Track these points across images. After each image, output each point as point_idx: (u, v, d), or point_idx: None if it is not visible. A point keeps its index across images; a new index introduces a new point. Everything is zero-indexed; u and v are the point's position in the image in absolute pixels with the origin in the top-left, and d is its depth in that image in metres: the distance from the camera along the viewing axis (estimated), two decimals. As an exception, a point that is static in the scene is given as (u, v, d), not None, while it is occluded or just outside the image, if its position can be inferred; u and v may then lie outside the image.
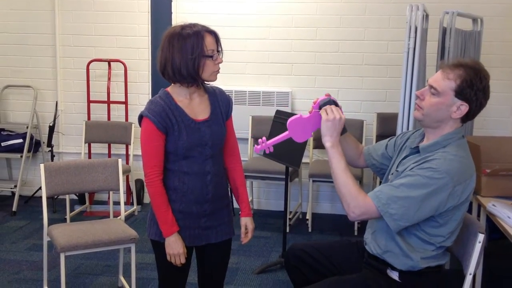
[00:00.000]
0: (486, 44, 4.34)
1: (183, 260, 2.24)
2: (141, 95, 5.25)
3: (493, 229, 3.29)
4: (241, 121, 4.89)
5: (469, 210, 3.37)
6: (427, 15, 3.64)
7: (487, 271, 3.38)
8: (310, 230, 4.69)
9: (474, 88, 2.03)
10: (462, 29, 3.83)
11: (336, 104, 2.16)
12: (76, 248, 3.02)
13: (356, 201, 2.05)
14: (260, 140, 2.22)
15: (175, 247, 2.22)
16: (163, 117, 2.18)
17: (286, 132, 2.18)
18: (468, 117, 2.11)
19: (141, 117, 2.23)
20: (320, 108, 2.16)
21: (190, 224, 2.29)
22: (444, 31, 3.65)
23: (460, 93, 2.04)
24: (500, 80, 4.78)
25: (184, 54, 2.13)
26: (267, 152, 2.23)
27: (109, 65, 5.17)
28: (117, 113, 5.28)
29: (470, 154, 2.13)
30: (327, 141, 2.13)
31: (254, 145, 2.24)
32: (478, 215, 3.18)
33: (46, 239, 3.23)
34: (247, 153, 5.00)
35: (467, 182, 2.05)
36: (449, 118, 2.10)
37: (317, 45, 5.00)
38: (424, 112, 2.11)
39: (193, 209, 2.27)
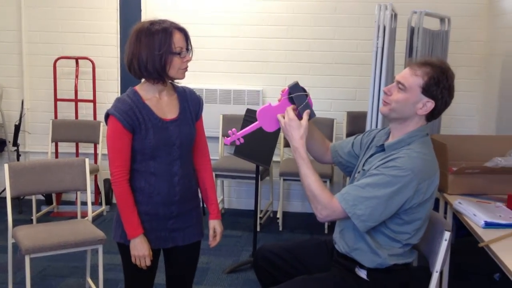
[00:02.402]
0: (453, 44, 4.40)
1: (148, 262, 2.21)
2: (110, 93, 5.16)
3: (460, 226, 3.34)
4: (212, 120, 4.86)
5: (436, 208, 3.41)
6: (395, 15, 3.67)
7: (455, 267, 3.43)
8: (280, 228, 4.69)
9: (440, 86, 2.07)
10: (429, 28, 3.88)
11: (304, 91, 2.16)
12: (42, 250, 2.96)
13: (322, 204, 2.08)
14: (230, 131, 2.22)
15: (140, 249, 2.19)
16: (130, 115, 2.14)
17: (256, 122, 2.19)
18: (433, 115, 2.14)
19: (107, 115, 2.18)
20: (289, 94, 2.15)
21: (156, 227, 2.25)
22: (412, 31, 3.68)
23: (427, 90, 2.08)
24: (467, 79, 4.85)
25: (151, 50, 2.10)
26: (238, 143, 2.23)
27: (77, 62, 5.07)
28: (85, 112, 5.19)
29: (434, 152, 2.17)
30: (290, 146, 2.15)
31: (224, 138, 2.24)
32: (445, 213, 3.22)
33: (10, 241, 3.16)
34: (218, 152, 4.97)
35: (432, 179, 2.08)
36: (414, 115, 2.12)
37: (288, 44, 5.00)
38: (391, 107, 2.14)
39: (159, 211, 2.24)
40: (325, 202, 2.07)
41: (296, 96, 2.15)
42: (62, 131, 4.87)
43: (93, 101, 5.09)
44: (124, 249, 2.26)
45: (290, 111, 2.14)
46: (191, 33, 2.22)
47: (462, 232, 3.66)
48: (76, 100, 5.10)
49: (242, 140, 2.22)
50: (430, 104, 2.09)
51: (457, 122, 4.91)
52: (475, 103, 4.90)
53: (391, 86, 2.17)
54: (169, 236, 2.29)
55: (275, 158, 4.75)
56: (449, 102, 2.12)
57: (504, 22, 4.38)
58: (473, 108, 4.91)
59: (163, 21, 2.15)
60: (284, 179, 4.63)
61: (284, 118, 2.15)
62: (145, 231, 2.21)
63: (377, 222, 2.06)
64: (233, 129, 2.22)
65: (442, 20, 4.16)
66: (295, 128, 2.12)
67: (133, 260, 2.21)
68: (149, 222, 2.23)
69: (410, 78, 2.10)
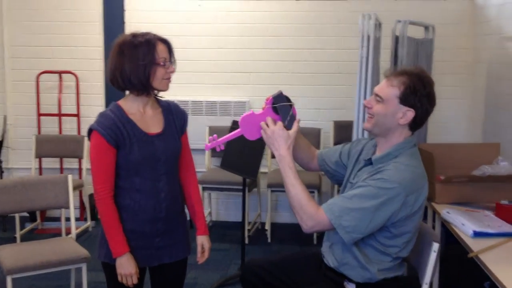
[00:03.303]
0: (438, 52, 4.41)
1: (135, 281, 2.16)
2: (94, 107, 5.09)
3: (449, 234, 3.31)
4: (198, 132, 4.82)
5: (425, 217, 3.38)
6: (379, 24, 3.67)
7: (444, 276, 3.40)
8: (269, 240, 4.64)
9: (418, 94, 2.05)
10: (414, 37, 3.88)
11: (289, 100, 2.13)
12: (24, 270, 2.89)
13: (308, 214, 2.04)
14: (210, 137, 2.20)
15: (126, 267, 2.14)
16: (113, 130, 2.10)
17: (238, 130, 2.16)
18: (416, 124, 2.12)
19: (90, 131, 2.15)
20: (273, 104, 2.12)
21: (143, 245, 2.20)
22: (396, 40, 3.68)
23: (404, 100, 2.06)
24: (453, 86, 4.86)
25: (134, 61, 2.08)
26: (218, 150, 2.21)
27: (60, 76, 5.02)
28: (69, 126, 5.12)
29: (422, 163, 2.14)
30: (275, 155, 2.11)
31: (205, 144, 2.23)
32: (434, 221, 3.20)
33: (-8, 261, 3.07)
34: (205, 164, 4.93)
35: (420, 192, 2.05)
36: (397, 125, 2.10)
37: (273, 54, 4.98)
38: (374, 122, 2.11)
39: (145, 228, 2.19)
40: (311, 213, 2.03)
41: (280, 106, 2.12)
42: (45, 147, 4.79)
43: (77, 116, 5.03)
44: (109, 268, 2.21)
45: (278, 122, 2.10)
46: (175, 46, 2.21)
47: (451, 240, 3.64)
48: (60, 115, 5.03)
49: (222, 147, 2.20)
50: (410, 113, 2.07)
51: (444, 130, 4.90)
52: (461, 110, 4.90)
53: (370, 99, 2.16)
54: (155, 253, 2.25)
55: (262, 169, 4.72)
56: (430, 109, 2.10)
57: (488, 29, 4.40)
58: (460, 116, 4.91)
59: (146, 33, 2.14)
60: (272, 191, 4.59)
61: (268, 126, 2.10)
62: (131, 249, 2.16)
63: (363, 234, 2.02)
64: (214, 135, 2.20)
65: (426, 28, 4.17)
66: (283, 138, 2.08)
67: (119, 279, 2.16)
68: (135, 240, 2.19)
69: (387, 89, 2.08)
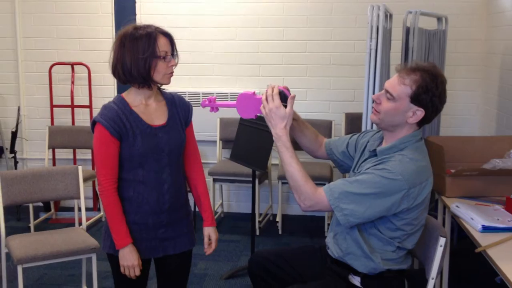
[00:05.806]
0: (452, 43, 4.35)
1: (137, 273, 2.17)
2: (106, 98, 5.03)
3: (461, 227, 3.28)
4: (209, 124, 4.81)
5: (436, 211, 3.36)
6: (390, 15, 3.62)
7: (455, 270, 3.38)
8: (280, 232, 4.64)
9: (430, 94, 2.02)
10: (426, 28, 3.82)
11: (285, 100, 2.12)
12: (34, 260, 2.92)
13: (306, 194, 2.05)
14: (210, 97, 2.24)
15: (129, 258, 2.15)
16: (116, 122, 2.11)
17: (234, 103, 2.22)
18: (424, 122, 2.09)
19: (94, 123, 2.15)
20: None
21: (146, 236, 2.22)
22: (407, 31, 3.63)
23: (415, 99, 2.03)
24: (466, 78, 4.80)
25: (135, 54, 2.07)
26: (211, 111, 2.26)
27: (72, 68, 5.05)
28: (82, 117, 5.16)
29: (428, 157, 2.12)
30: (273, 134, 2.11)
31: (201, 102, 2.26)
32: (444, 214, 3.17)
33: (4, 250, 3.12)
34: (216, 155, 4.93)
35: (423, 185, 2.03)
36: (405, 123, 2.08)
37: (284, 46, 4.95)
38: (381, 117, 2.10)
39: (149, 220, 2.20)
40: (309, 193, 2.04)
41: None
42: (58, 138, 4.83)
43: (90, 107, 5.06)
44: (114, 260, 2.23)
45: (276, 99, 2.10)
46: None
47: (463, 233, 3.60)
48: (73, 106, 5.07)
49: (216, 110, 2.25)
50: (420, 113, 2.05)
51: (457, 122, 4.85)
52: (475, 102, 4.83)
53: (380, 94, 2.12)
54: (159, 245, 2.26)
55: (273, 161, 4.73)
56: (440, 108, 2.08)
57: (502, 20, 4.33)
58: (473, 107, 4.85)
59: (148, 26, 2.13)
60: (282, 182, 4.58)
61: (268, 104, 2.10)
62: (134, 240, 2.18)
63: (360, 220, 2.02)
64: (213, 97, 2.24)
65: (439, 19, 4.11)
66: (279, 116, 2.08)
67: (122, 270, 2.18)
68: (138, 231, 2.20)
69: (398, 87, 2.05)
